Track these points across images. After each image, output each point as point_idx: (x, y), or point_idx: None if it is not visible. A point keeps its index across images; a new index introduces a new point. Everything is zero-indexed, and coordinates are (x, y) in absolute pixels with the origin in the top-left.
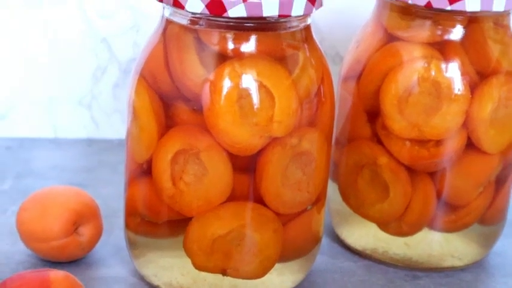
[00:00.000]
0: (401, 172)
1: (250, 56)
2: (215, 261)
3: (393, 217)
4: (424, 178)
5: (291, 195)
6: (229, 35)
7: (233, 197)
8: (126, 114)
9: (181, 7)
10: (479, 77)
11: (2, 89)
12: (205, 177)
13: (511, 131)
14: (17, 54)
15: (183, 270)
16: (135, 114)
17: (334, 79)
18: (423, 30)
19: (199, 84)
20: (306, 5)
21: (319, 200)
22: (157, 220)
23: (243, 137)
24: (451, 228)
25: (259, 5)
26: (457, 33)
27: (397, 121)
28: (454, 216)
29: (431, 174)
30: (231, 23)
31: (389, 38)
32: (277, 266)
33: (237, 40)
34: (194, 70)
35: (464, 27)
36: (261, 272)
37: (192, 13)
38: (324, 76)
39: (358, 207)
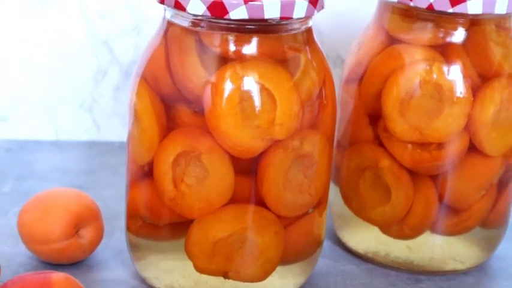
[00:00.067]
0: (403, 175)
1: (252, 58)
2: (216, 264)
3: (395, 220)
4: (426, 181)
5: (292, 198)
6: (231, 37)
7: (234, 200)
8: (127, 117)
9: (183, 9)
10: (481, 79)
11: (3, 91)
12: (206, 180)
13: None
14: (18, 56)
15: (184, 273)
16: (136, 117)
17: (336, 82)
18: (425, 33)
19: (200, 87)
20: (307, 7)
21: (320, 203)
22: (158, 222)
23: (245, 139)
24: (453, 231)
25: (261, 7)
26: (459, 35)
27: (399, 124)
28: (456, 219)
29: (433, 177)
30: (233, 25)
31: (391, 41)
32: (278, 269)
33: (239, 42)
34: (195, 72)
35: (466, 30)
36: (263, 274)
37: (194, 15)
38: (326, 78)
39: (360, 210)
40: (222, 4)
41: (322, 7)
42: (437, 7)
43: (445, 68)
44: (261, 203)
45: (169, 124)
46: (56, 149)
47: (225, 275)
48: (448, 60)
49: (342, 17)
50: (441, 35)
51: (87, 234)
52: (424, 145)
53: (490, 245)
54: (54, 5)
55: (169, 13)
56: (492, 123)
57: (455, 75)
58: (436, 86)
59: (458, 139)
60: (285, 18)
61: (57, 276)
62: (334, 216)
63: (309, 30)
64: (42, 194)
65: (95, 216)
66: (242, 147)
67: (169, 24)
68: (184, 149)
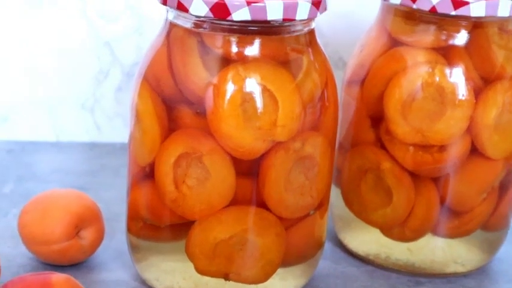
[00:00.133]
0: (405, 177)
1: (254, 60)
2: (217, 265)
3: (396, 222)
4: (427, 183)
5: (293, 199)
6: (233, 39)
7: (236, 201)
8: (128, 118)
9: (185, 10)
10: (484, 82)
11: (4, 92)
12: (208, 181)
13: None
14: (19, 57)
15: (185, 275)
16: (138, 118)
17: (338, 84)
18: (427, 35)
19: (202, 88)
20: (310, 9)
21: (322, 204)
22: (159, 224)
23: (246, 140)
24: (454, 234)
25: (264, 8)
26: (461, 38)
27: (401, 126)
28: (458, 222)
29: (435, 180)
30: (235, 27)
31: (394, 43)
32: (279, 270)
33: (241, 44)
34: (198, 73)
35: (468, 33)
36: (263, 276)
37: (196, 16)
38: (328, 80)
39: (361, 212)
40: (225, 5)
41: (325, 9)
42: (440, 10)
43: (447, 71)
44: (262, 204)
45: (170, 125)
46: (56, 150)
47: (226, 277)
48: (451, 63)
49: (344, 19)
50: (444, 37)
51: (87, 235)
52: (425, 147)
53: (491, 247)
54: (55, 6)
55: (171, 14)
56: (494, 126)
57: (457, 77)
58: (438, 89)
59: (460, 142)
60: (288, 20)
61: (58, 277)
62: (335, 218)
63: (311, 32)
64: (42, 195)
65: (96, 217)
66: (244, 148)
67: (172, 26)
68: (186, 150)
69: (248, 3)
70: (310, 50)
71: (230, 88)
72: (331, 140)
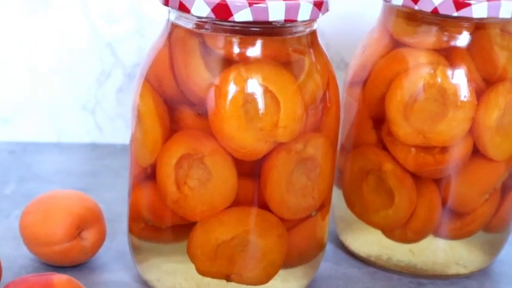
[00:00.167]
0: (407, 179)
1: (256, 61)
2: (219, 266)
3: (398, 224)
4: (429, 185)
5: (295, 201)
6: (235, 40)
7: (237, 202)
8: (130, 119)
9: (187, 11)
10: (486, 83)
11: (6, 93)
12: (209, 182)
13: None
14: (21, 58)
15: (187, 276)
16: (139, 118)
17: (339, 85)
18: (429, 37)
19: (204, 89)
20: (312, 10)
21: (323, 206)
22: (161, 225)
23: (248, 141)
24: (456, 235)
25: (265, 9)
26: (463, 39)
27: (403, 127)
28: (459, 223)
29: (437, 181)
30: (237, 28)
31: (395, 44)
32: (281, 272)
33: (243, 44)
34: (199, 74)
35: (470, 34)
36: (265, 277)
37: (198, 17)
38: (330, 81)
39: (363, 213)
40: (227, 6)
41: (327, 10)
42: (442, 11)
43: (449, 72)
44: (264, 205)
45: (172, 126)
46: (58, 151)
47: (227, 278)
48: (453, 64)
49: (346, 21)
50: (445, 38)
51: (89, 236)
52: (427, 149)
53: (493, 249)
54: (57, 8)
55: (173, 15)
56: (496, 128)
57: (459, 79)
58: (440, 90)
59: (462, 143)
60: (290, 21)
61: (59, 278)
62: (336, 220)
63: (313, 33)
64: (44, 196)
65: (97, 218)
66: (245, 149)
67: (174, 26)
68: (188, 151)
69: (250, 4)
70: (312, 51)
71: (232, 89)
72: (333, 141)
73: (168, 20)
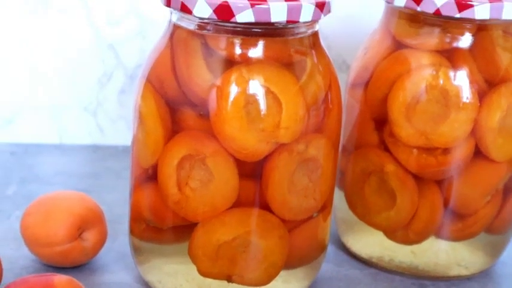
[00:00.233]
0: (409, 180)
1: (258, 62)
2: (220, 267)
3: (400, 225)
4: (431, 186)
5: (297, 201)
6: (237, 41)
7: (239, 203)
8: (131, 121)
9: (189, 12)
10: (488, 85)
11: (7, 95)
12: (211, 183)
13: None
14: (23, 59)
15: (188, 277)
16: (141, 119)
17: (341, 87)
18: (432, 38)
19: (206, 90)
20: (314, 11)
21: (325, 207)
22: (162, 226)
23: (250, 142)
24: (458, 236)
25: (267, 10)
26: (465, 41)
27: (405, 129)
28: (461, 224)
29: (439, 182)
30: (239, 29)
31: (398, 46)
32: (282, 273)
33: (245, 45)
34: (201, 75)
35: (473, 35)
36: (266, 278)
37: (200, 18)
38: (332, 83)
39: (365, 215)
40: (229, 7)
41: (329, 11)
42: (444, 12)
43: (451, 73)
44: (265, 206)
45: (174, 127)
46: (60, 153)
47: (229, 279)
48: (455, 66)
49: (348, 23)
50: (448, 40)
51: (90, 237)
52: (429, 150)
53: (495, 250)
54: (59, 9)
55: (175, 16)
56: (498, 129)
57: (461, 80)
58: (442, 91)
59: (464, 144)
60: (292, 22)
61: (60, 278)
62: (338, 221)
63: (315, 34)
64: (45, 197)
65: (99, 219)
66: (247, 150)
67: (175, 27)
68: (189, 152)
69: (252, 5)
70: (313, 52)
71: (234, 90)
72: (334, 142)
73: (170, 21)
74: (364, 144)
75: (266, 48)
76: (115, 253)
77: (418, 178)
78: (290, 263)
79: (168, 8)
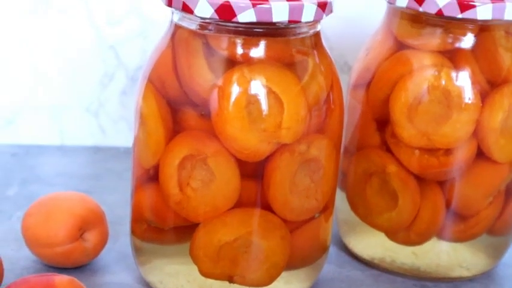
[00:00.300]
0: (411, 181)
1: (259, 62)
2: (221, 268)
3: (402, 226)
4: (433, 187)
5: (298, 202)
6: (239, 40)
7: (240, 203)
8: (132, 122)
9: (190, 12)
10: (490, 85)
11: (9, 96)
12: (212, 183)
13: None
14: (24, 60)
15: (189, 277)
16: (142, 119)
17: (343, 88)
18: (434, 38)
19: (207, 90)
20: (316, 11)
21: (327, 208)
22: (163, 226)
23: (251, 143)
24: (459, 238)
25: (269, 10)
26: (468, 41)
27: (407, 129)
28: (463, 226)
29: (441, 183)
30: (240, 28)
31: (400, 46)
32: (284, 274)
33: (246, 45)
34: (202, 75)
35: (475, 36)
36: (268, 279)
37: (201, 18)
38: (334, 83)
39: (366, 216)
40: (230, 7)
41: (331, 11)
42: (446, 13)
43: (453, 74)
44: (267, 207)
45: (175, 127)
46: (61, 154)
47: (230, 279)
48: (457, 66)
49: (350, 23)
50: (450, 40)
51: (91, 237)
52: (431, 151)
53: (497, 252)
54: (60, 9)
55: (176, 16)
56: (500, 130)
57: (463, 81)
58: (444, 92)
59: (466, 145)
60: (294, 22)
61: (61, 278)
62: (340, 222)
63: (317, 34)
64: (46, 198)
65: (100, 220)
66: (249, 150)
67: (177, 27)
68: (190, 152)
69: (253, 5)
70: (315, 52)
71: (235, 90)
72: (336, 143)
73: (171, 21)
74: (366, 145)
75: (268, 48)
76: (116, 254)
77: (420, 179)
78: (292, 263)
79: (169, 8)
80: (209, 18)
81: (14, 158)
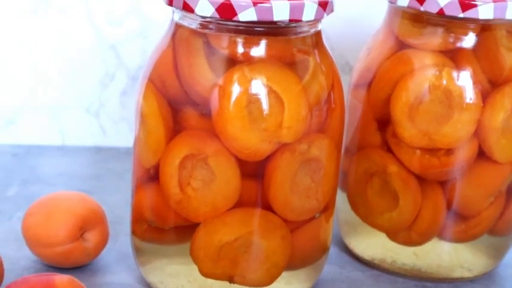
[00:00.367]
0: (411, 181)
1: (260, 61)
2: (222, 268)
3: (402, 226)
4: (434, 187)
5: (299, 202)
6: (239, 39)
7: (241, 203)
8: (133, 122)
9: (191, 11)
10: (491, 85)
11: (9, 96)
12: (213, 183)
13: None
14: (24, 60)
15: (190, 278)
16: (142, 119)
17: (344, 88)
18: (435, 38)
19: (208, 89)
20: (316, 10)
21: (327, 208)
22: (164, 226)
23: (252, 142)
24: (460, 238)
25: (270, 9)
26: (469, 41)
27: (408, 129)
28: (464, 226)
29: (442, 184)
30: (241, 27)
31: (401, 46)
32: (284, 274)
33: (247, 44)
34: (203, 74)
35: (476, 35)
36: (268, 279)
37: (202, 17)
38: (334, 82)
39: (367, 216)
40: (231, 6)
41: (332, 10)
42: (447, 12)
43: (454, 74)
44: (267, 206)
45: (176, 127)
46: (61, 154)
47: (231, 280)
48: (458, 66)
49: (351, 24)
50: (451, 40)
51: (91, 237)
52: (432, 151)
53: (498, 252)
54: (60, 9)
55: (177, 15)
56: (502, 130)
57: (465, 80)
58: (445, 92)
59: (467, 145)
60: (294, 21)
61: (61, 278)
62: (341, 223)
63: (318, 34)
64: (46, 198)
65: (100, 220)
66: (249, 150)
67: (177, 27)
68: (191, 151)
69: (254, 4)
70: (316, 51)
71: (236, 89)
72: (337, 143)
73: (172, 20)
74: (366, 145)
75: (268, 47)
76: (117, 254)
77: (421, 179)
78: (292, 264)
79: (170, 7)
80: (210, 17)
81: (14, 158)
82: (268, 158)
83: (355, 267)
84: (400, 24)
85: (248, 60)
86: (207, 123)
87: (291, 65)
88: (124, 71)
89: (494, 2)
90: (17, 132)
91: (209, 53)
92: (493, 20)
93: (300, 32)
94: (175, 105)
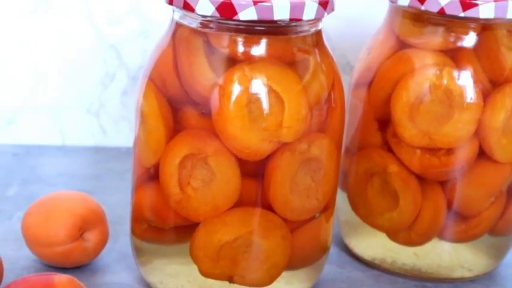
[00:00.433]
0: (412, 181)
1: (260, 60)
2: (222, 268)
3: (403, 226)
4: (434, 187)
5: (299, 201)
6: (240, 39)
7: (241, 203)
8: (133, 122)
9: (191, 10)
10: (492, 85)
11: (10, 96)
12: (213, 183)
13: None
14: (25, 60)
15: (190, 277)
16: (143, 119)
17: (344, 88)
18: (435, 37)
19: (208, 88)
20: (317, 9)
21: (327, 208)
22: (163, 226)
23: (252, 141)
24: (461, 238)
25: (270, 8)
26: (470, 40)
27: (408, 129)
28: (465, 226)
29: (442, 183)
30: (242, 26)
31: (401, 45)
32: (284, 274)
33: (247, 44)
34: (203, 74)
35: (477, 35)
36: (268, 279)
37: (202, 16)
38: (335, 82)
39: (367, 216)
40: (231, 5)
41: (332, 9)
42: (448, 11)
43: (455, 73)
44: (267, 206)
45: (176, 126)
46: (62, 154)
47: (230, 279)
48: (459, 65)
49: (352, 23)
50: (452, 39)
51: (91, 237)
52: (433, 151)
53: (498, 252)
54: (61, 10)
55: (177, 14)
56: (502, 129)
57: (465, 80)
58: (446, 91)
59: (467, 145)
60: (295, 20)
61: (60, 277)
62: (341, 223)
63: (318, 33)
64: (46, 197)
65: (100, 220)
66: (249, 149)
67: (178, 26)
68: (191, 151)
69: (255, 3)
70: (317, 51)
71: (236, 89)
72: (337, 142)
73: (172, 19)
74: (367, 145)
75: (269, 46)
76: (116, 254)
77: (421, 179)
78: (292, 264)
79: (170, 6)
80: (210, 16)
81: (14, 158)
82: (268, 158)
83: (355, 267)
84: (401, 23)
85: (248, 59)
86: (207, 123)
87: (291, 64)
88: (124, 71)
89: (495, 1)
90: (17, 132)
91: (209, 52)
92: (493, 19)
93: (301, 31)
94: (175, 105)
